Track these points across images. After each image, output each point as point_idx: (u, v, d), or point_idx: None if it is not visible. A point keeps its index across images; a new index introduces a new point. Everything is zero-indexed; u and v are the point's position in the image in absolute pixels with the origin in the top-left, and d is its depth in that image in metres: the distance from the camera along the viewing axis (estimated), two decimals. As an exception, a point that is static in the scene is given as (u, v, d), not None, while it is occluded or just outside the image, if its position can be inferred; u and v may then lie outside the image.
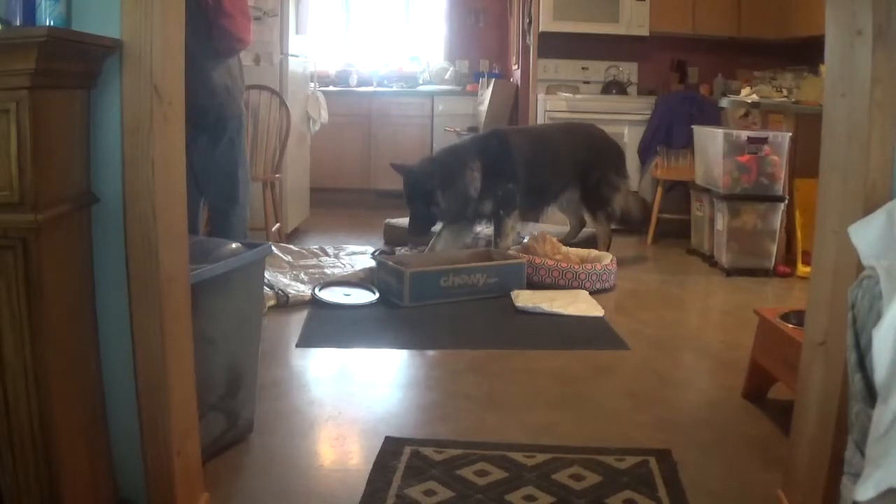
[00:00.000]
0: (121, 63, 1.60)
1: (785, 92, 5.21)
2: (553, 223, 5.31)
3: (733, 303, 4.07)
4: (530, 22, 6.14)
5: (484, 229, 4.73)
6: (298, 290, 3.85)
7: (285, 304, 3.71)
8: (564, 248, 4.42)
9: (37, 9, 1.54)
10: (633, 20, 6.03)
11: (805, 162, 4.42)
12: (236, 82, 3.51)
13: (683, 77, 6.38)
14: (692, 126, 5.22)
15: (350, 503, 1.99)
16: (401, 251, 4.79)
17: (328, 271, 4.27)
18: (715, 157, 4.68)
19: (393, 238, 5.08)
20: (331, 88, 6.73)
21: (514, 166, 4.47)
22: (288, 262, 4.40)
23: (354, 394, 2.77)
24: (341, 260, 4.61)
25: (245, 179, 3.58)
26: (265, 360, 2.78)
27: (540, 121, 5.94)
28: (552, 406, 2.66)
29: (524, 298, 3.82)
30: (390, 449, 2.27)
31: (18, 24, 1.55)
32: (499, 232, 4.52)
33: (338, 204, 6.67)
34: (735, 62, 6.27)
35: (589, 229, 5.07)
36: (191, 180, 2.56)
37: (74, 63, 1.52)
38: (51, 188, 1.46)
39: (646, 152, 5.84)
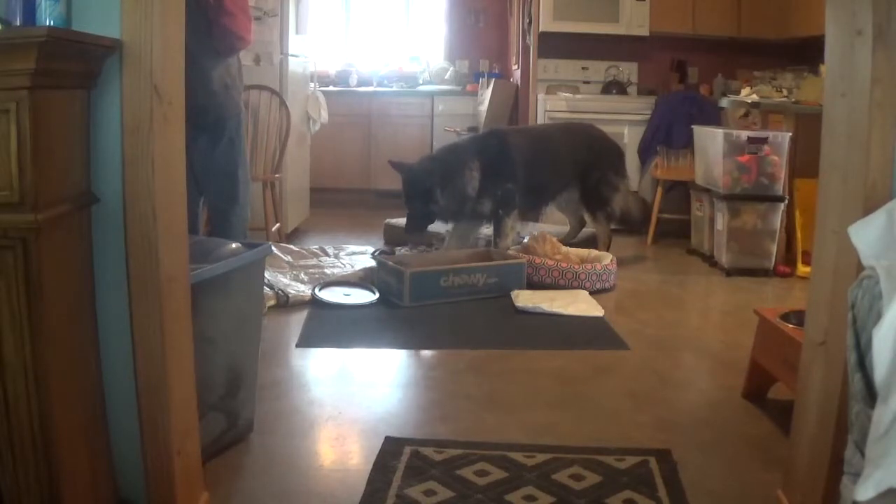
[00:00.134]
0: (121, 63, 1.60)
1: (785, 92, 5.21)
2: (553, 223, 5.31)
3: (733, 303, 4.07)
4: (530, 22, 6.14)
5: (484, 229, 4.73)
6: (298, 290, 3.85)
7: (285, 304, 3.71)
8: (564, 248, 4.42)
9: (37, 9, 1.54)
10: (633, 20, 6.03)
11: (805, 162, 4.42)
12: (235, 82, 3.51)
13: (683, 77, 6.38)
14: (692, 126, 5.22)
15: (350, 503, 1.99)
16: (401, 251, 4.79)
17: (328, 271, 4.27)
18: (715, 157, 4.68)
19: (393, 238, 5.08)
20: (331, 88, 6.73)
21: (513, 166, 4.47)
22: (288, 262, 4.40)
23: (354, 394, 2.77)
24: (341, 260, 4.61)
25: (245, 179, 3.58)
26: (265, 360, 2.78)
27: (540, 121, 5.94)
28: (552, 406, 2.66)
29: (524, 298, 3.82)
30: (390, 449, 2.27)
31: (18, 24, 1.55)
32: (498, 232, 4.53)
33: (338, 204, 6.67)
34: (735, 62, 6.27)
35: (589, 229, 5.07)
36: (190, 180, 2.56)
37: (74, 63, 1.52)
38: (51, 188, 1.46)
39: (646, 152, 5.84)
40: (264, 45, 4.84)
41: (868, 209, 1.54)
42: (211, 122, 3.37)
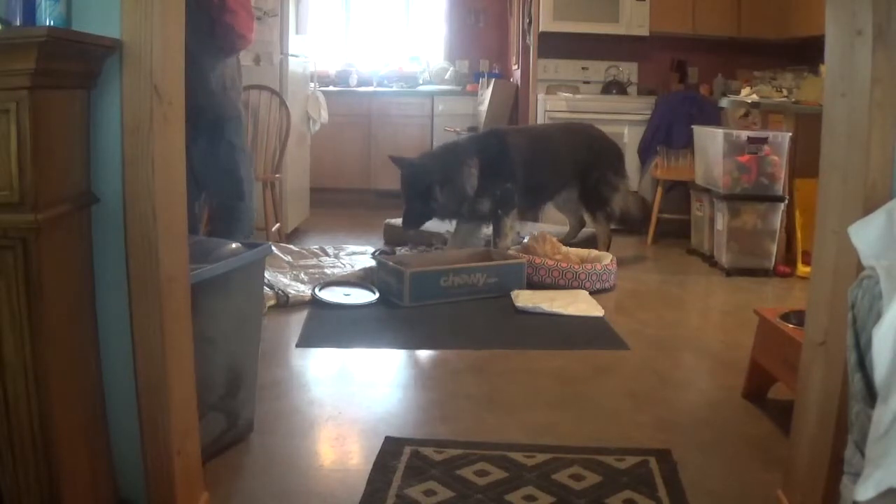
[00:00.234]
0: (121, 63, 1.60)
1: (785, 92, 5.21)
2: (553, 223, 5.31)
3: (733, 303, 4.07)
4: (530, 22, 6.14)
5: (485, 229, 4.73)
6: (298, 290, 3.85)
7: (285, 304, 3.71)
8: (564, 248, 4.42)
9: (37, 9, 1.54)
10: (633, 20, 6.03)
11: (805, 162, 4.42)
12: (235, 83, 3.51)
13: (683, 77, 6.38)
14: (692, 126, 5.22)
15: (350, 503, 1.99)
16: (401, 251, 4.79)
17: (328, 271, 4.27)
18: (715, 157, 4.68)
19: (393, 238, 5.08)
20: (331, 88, 6.73)
21: (512, 166, 4.47)
22: (288, 262, 4.40)
23: (354, 394, 2.77)
24: (341, 260, 4.61)
25: (249, 177, 3.60)
26: (265, 360, 2.78)
27: (540, 121, 5.94)
28: (552, 406, 2.66)
29: (524, 298, 3.82)
30: (390, 449, 2.27)
31: (18, 24, 1.55)
32: (498, 232, 4.53)
33: (338, 204, 6.67)
34: (735, 62, 6.27)
35: (589, 229, 5.07)
36: (190, 180, 2.56)
37: (74, 63, 1.52)
38: (51, 188, 1.46)
39: (646, 152, 5.84)
40: (264, 45, 4.84)
41: (868, 209, 1.54)
42: (210, 122, 3.37)
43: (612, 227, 4.94)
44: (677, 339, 3.44)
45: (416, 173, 4.26)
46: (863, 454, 1.27)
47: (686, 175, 5.28)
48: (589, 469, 2.15)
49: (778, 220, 4.53)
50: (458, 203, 4.33)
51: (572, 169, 4.79)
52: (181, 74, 1.73)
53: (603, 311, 3.73)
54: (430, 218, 4.40)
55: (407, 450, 2.25)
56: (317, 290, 3.83)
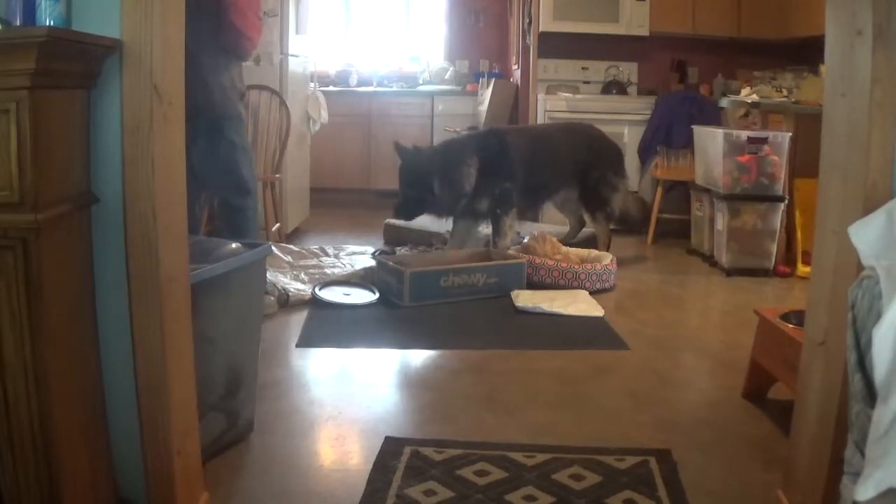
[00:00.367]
0: (121, 63, 1.60)
1: (785, 92, 5.21)
2: (553, 223, 5.31)
3: (733, 303, 4.07)
4: (530, 22, 6.14)
5: (483, 229, 4.73)
6: (298, 290, 3.85)
7: (285, 303, 3.71)
8: (564, 248, 4.42)
9: (37, 9, 1.54)
10: (633, 20, 6.03)
11: (805, 162, 4.42)
12: (234, 83, 3.51)
13: (683, 77, 6.38)
14: (692, 126, 5.22)
15: (350, 503, 1.99)
16: (401, 251, 4.79)
17: (328, 271, 4.27)
18: (715, 157, 4.68)
19: (393, 238, 5.08)
20: (331, 88, 6.73)
21: (511, 165, 4.48)
22: (288, 262, 4.40)
23: (354, 394, 2.77)
24: (341, 260, 4.61)
25: (251, 176, 3.60)
26: (265, 360, 2.78)
27: (540, 121, 5.94)
28: (552, 406, 2.66)
29: (524, 298, 3.82)
30: (390, 449, 2.27)
31: (18, 24, 1.55)
32: (497, 231, 4.53)
33: (338, 204, 6.67)
34: (735, 62, 6.27)
35: (589, 229, 5.07)
36: (190, 180, 2.56)
37: (74, 63, 1.52)
38: (51, 188, 1.46)
39: (646, 152, 5.84)
40: (264, 45, 4.83)
41: (868, 209, 1.54)
42: (209, 122, 3.37)
43: (612, 227, 4.94)
44: (677, 339, 3.44)
45: (416, 163, 4.27)
46: (863, 454, 1.27)
47: (686, 175, 5.28)
48: (589, 469, 2.15)
49: (778, 220, 4.53)
50: (455, 199, 4.33)
51: (572, 169, 4.79)
52: (181, 74, 1.73)
53: (603, 311, 3.73)
54: (423, 211, 4.39)
55: (407, 450, 2.25)
56: (317, 290, 3.83)
